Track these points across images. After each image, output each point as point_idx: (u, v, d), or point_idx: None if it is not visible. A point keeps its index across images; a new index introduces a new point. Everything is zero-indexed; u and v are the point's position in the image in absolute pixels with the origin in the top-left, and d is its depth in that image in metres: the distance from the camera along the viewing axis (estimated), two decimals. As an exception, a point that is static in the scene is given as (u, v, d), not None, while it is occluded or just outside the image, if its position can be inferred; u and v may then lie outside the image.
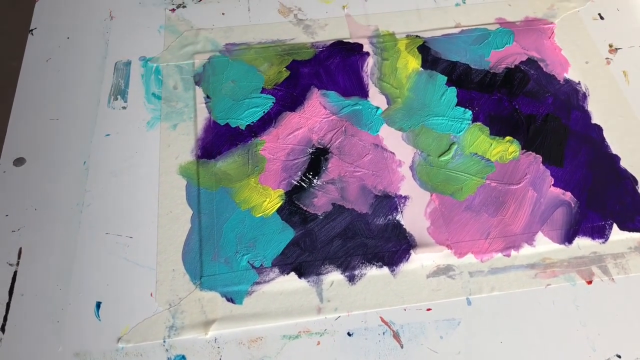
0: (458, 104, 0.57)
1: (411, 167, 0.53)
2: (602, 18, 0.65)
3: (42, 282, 0.47)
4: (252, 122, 0.56)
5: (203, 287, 0.47)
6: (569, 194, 0.51)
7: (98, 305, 0.46)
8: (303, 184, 0.52)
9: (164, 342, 0.45)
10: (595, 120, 0.56)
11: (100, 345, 0.44)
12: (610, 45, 0.62)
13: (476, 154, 0.54)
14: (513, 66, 0.60)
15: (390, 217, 0.50)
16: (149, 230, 0.50)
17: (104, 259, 0.48)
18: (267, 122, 0.56)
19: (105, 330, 0.45)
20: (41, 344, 0.44)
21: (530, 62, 0.60)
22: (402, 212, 0.50)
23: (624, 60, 0.61)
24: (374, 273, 0.47)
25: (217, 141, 0.55)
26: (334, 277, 0.47)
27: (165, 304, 0.46)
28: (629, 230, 0.49)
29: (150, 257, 0.48)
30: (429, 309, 0.46)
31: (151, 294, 0.47)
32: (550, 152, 0.53)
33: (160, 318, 0.46)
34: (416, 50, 0.61)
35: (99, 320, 0.46)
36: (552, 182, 0.52)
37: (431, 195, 0.51)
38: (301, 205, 0.51)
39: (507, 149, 0.54)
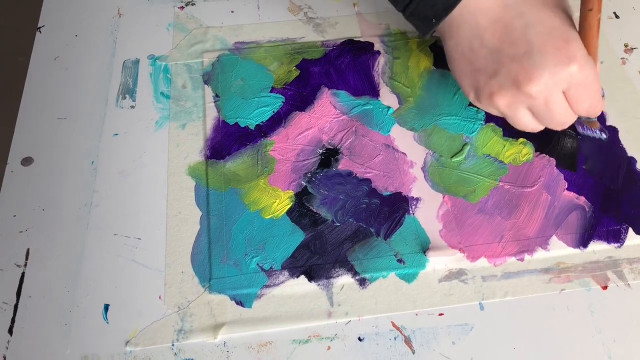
0: (471, 104, 0.56)
1: (423, 168, 0.52)
2: (617, 17, 0.63)
3: (49, 284, 0.47)
4: (262, 121, 0.55)
5: (212, 290, 0.46)
6: (582, 198, 0.50)
7: (106, 307, 0.46)
8: (313, 185, 0.51)
9: (173, 345, 0.44)
10: (610, 122, 0.55)
11: (108, 348, 0.44)
12: (626, 45, 0.61)
13: (489, 155, 0.53)
14: (527, 66, 0.59)
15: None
16: (157, 231, 0.49)
17: (112, 260, 0.48)
18: (276, 122, 0.55)
19: (113, 333, 0.45)
20: (49, 346, 0.44)
21: (544, 61, 0.59)
22: (413, 214, 0.50)
23: (640, 60, 0.60)
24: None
25: (226, 141, 0.54)
26: (344, 280, 0.47)
27: (174, 307, 0.46)
28: (645, 235, 0.48)
29: (159, 259, 0.48)
30: (441, 314, 0.45)
31: (160, 297, 0.46)
32: (564, 157, 0.52)
33: (169, 321, 0.45)
34: (428, 48, 0.61)
35: (107, 323, 0.45)
36: (566, 186, 0.51)
37: (443, 197, 0.51)
38: (311, 207, 0.50)
39: (520, 150, 0.53)
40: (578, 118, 0.48)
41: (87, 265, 0.48)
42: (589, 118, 0.49)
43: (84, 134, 0.55)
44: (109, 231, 0.49)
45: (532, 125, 0.47)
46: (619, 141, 0.54)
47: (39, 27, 0.63)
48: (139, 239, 0.49)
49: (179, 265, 0.48)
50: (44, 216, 0.50)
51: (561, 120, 0.45)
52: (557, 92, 0.42)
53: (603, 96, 0.46)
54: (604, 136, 0.51)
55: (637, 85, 0.58)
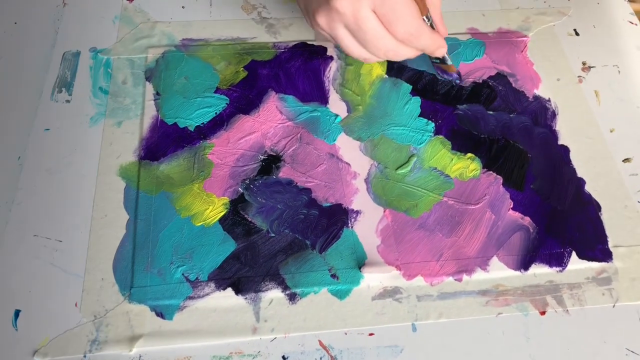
0: (421, 115, 0.54)
1: (366, 180, 0.50)
2: (577, 34, 0.62)
3: (-42, 286, 0.44)
4: (202, 123, 0.53)
5: (132, 299, 0.44)
6: (528, 218, 0.48)
7: (17, 313, 0.43)
8: (250, 192, 0.49)
9: (85, 357, 0.41)
10: (562, 140, 0.53)
11: (14, 358, 0.41)
12: (584, 63, 0.60)
13: (436, 168, 0.51)
14: (481, 81, 0.57)
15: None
16: (80, 234, 0.47)
17: (28, 263, 0.45)
18: (218, 124, 0.53)
19: (21, 341, 0.42)
20: (-50, 353, 0.41)
21: (500, 77, 0.57)
22: (352, 227, 0.48)
23: (597, 79, 0.58)
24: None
25: (162, 142, 0.51)
26: (273, 294, 0.44)
27: (90, 316, 0.43)
28: (588, 260, 0.47)
29: (79, 263, 0.45)
30: (371, 334, 0.43)
31: (76, 304, 0.43)
32: (512, 175, 0.51)
33: (83, 330, 0.42)
34: (382, 56, 0.59)
35: (16, 330, 0.42)
36: (512, 206, 0.49)
37: (384, 211, 0.49)
38: (246, 216, 0.48)
39: (467, 166, 0.51)
40: (433, 62, 0.53)
41: (1, 267, 0.45)
42: (442, 60, 0.52)
43: (13, 128, 0.52)
44: (29, 232, 0.47)
45: (358, 50, 0.48)
46: (570, 161, 0.52)
47: (-23, 12, 0.60)
48: (60, 241, 0.46)
49: (100, 271, 0.45)
50: (-40, 212, 0.47)
51: (378, 43, 0.46)
52: (364, 8, 0.43)
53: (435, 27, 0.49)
54: (458, 81, 0.55)
55: (592, 105, 0.56)
